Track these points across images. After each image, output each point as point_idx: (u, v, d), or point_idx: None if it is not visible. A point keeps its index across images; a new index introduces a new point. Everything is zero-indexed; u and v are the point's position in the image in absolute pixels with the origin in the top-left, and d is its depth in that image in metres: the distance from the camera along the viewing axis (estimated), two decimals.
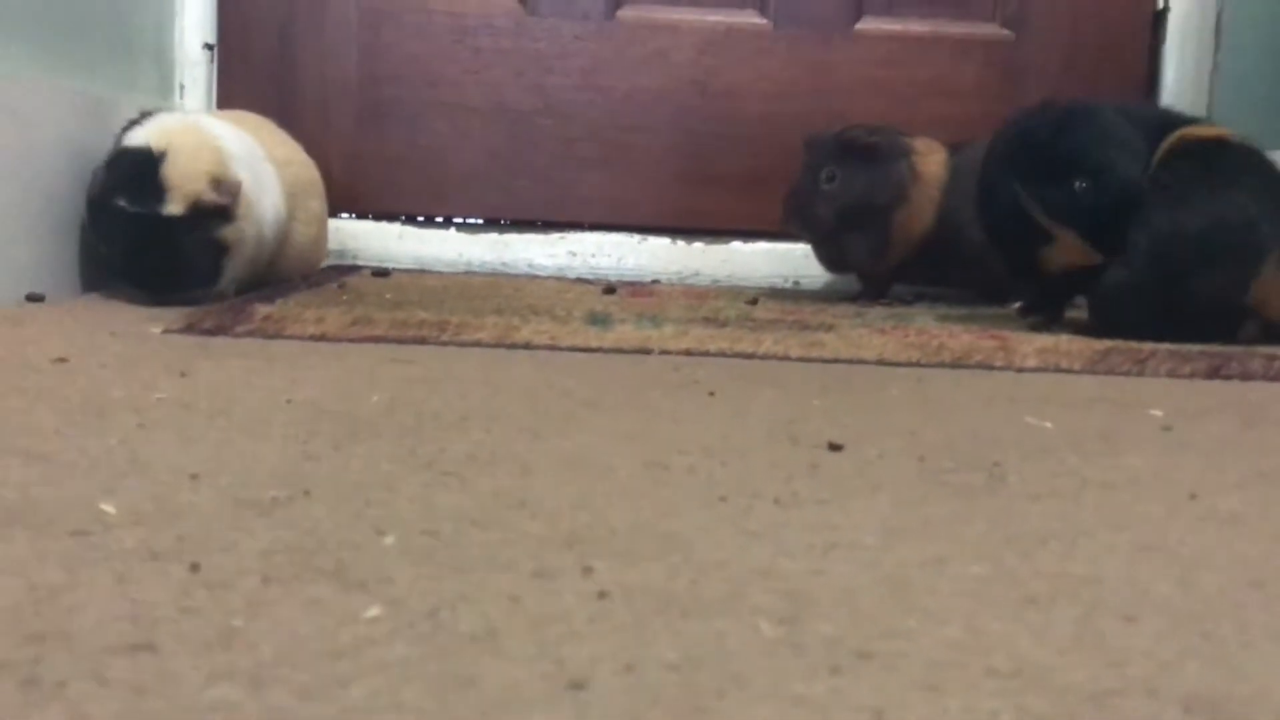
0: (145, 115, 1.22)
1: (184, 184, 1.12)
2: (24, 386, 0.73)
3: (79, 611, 0.38)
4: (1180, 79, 1.69)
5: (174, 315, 1.06)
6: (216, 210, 1.14)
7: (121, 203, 1.12)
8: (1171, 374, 1.00)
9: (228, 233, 1.16)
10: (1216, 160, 1.17)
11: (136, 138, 1.16)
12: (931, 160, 1.45)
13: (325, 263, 1.64)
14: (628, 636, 0.38)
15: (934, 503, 0.56)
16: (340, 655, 0.35)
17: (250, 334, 1.00)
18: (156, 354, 0.88)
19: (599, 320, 1.13)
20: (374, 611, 0.38)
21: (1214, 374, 1.00)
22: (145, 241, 1.13)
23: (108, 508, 0.49)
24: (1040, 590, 0.44)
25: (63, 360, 0.82)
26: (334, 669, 0.34)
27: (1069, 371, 1.00)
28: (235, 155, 1.19)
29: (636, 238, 1.71)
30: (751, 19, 1.70)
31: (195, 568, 0.42)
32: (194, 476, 0.54)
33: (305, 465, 0.57)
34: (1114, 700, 0.34)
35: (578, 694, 0.33)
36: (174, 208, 1.12)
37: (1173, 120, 1.22)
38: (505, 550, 0.46)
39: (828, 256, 1.52)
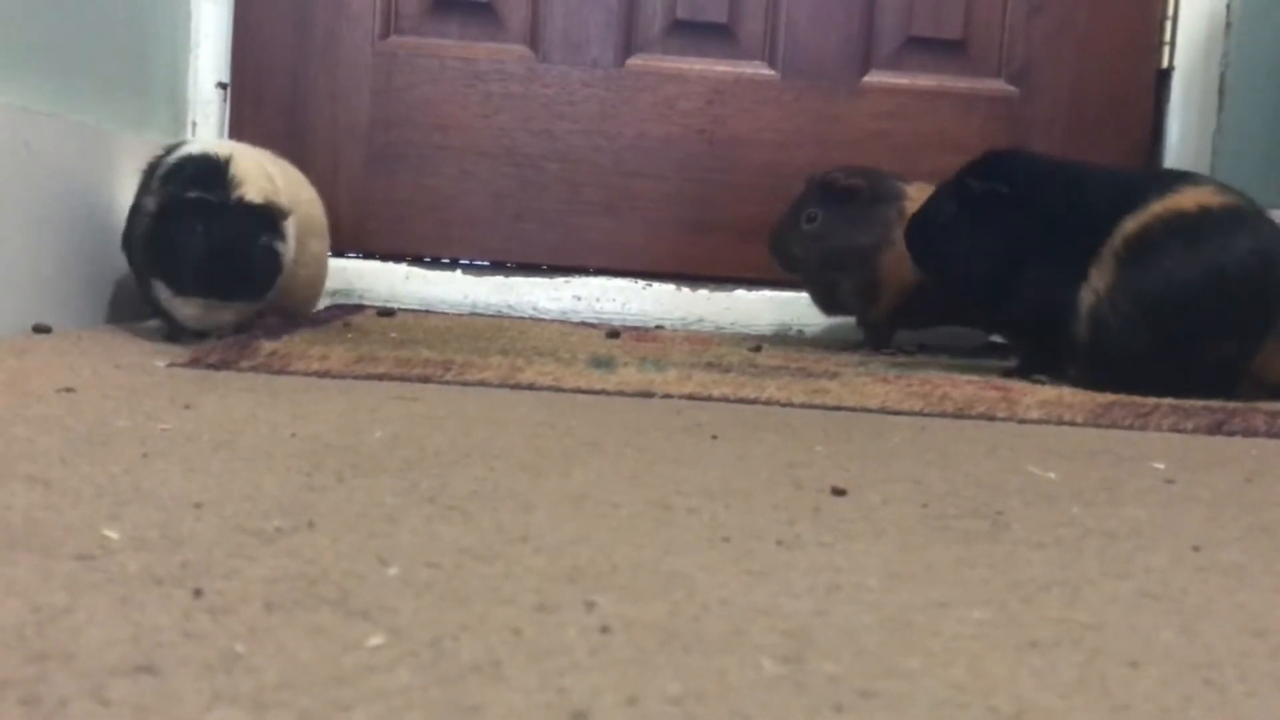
0: (174, 146, 1.20)
1: (255, 181, 1.13)
2: (30, 415, 0.74)
3: (81, 633, 0.38)
4: (1184, 136, 1.70)
5: (178, 350, 1.06)
6: (279, 216, 1.14)
7: (196, 194, 1.10)
8: (1174, 429, 1.00)
9: (282, 249, 1.16)
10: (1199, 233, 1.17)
11: (190, 149, 1.16)
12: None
13: (327, 302, 1.65)
14: (630, 670, 0.37)
15: (937, 548, 0.56)
16: (342, 681, 0.35)
17: (255, 369, 1.00)
18: (161, 386, 0.89)
19: (602, 363, 1.14)
20: (376, 639, 0.38)
21: (1216, 429, 1.00)
22: (222, 230, 1.10)
23: (111, 533, 0.49)
24: (1043, 635, 0.44)
25: (68, 390, 0.82)
26: (336, 695, 0.34)
27: (1071, 424, 1.00)
28: (278, 178, 1.21)
29: (641, 283, 1.72)
30: (759, 70, 1.72)
31: (198, 593, 0.42)
32: (198, 505, 0.54)
33: (309, 496, 0.57)
34: None
35: None
36: (250, 195, 1.11)
37: (1145, 185, 1.21)
38: (507, 583, 0.46)
39: (818, 297, 1.54)
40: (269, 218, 1.13)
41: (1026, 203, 1.22)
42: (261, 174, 1.15)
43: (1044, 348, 1.25)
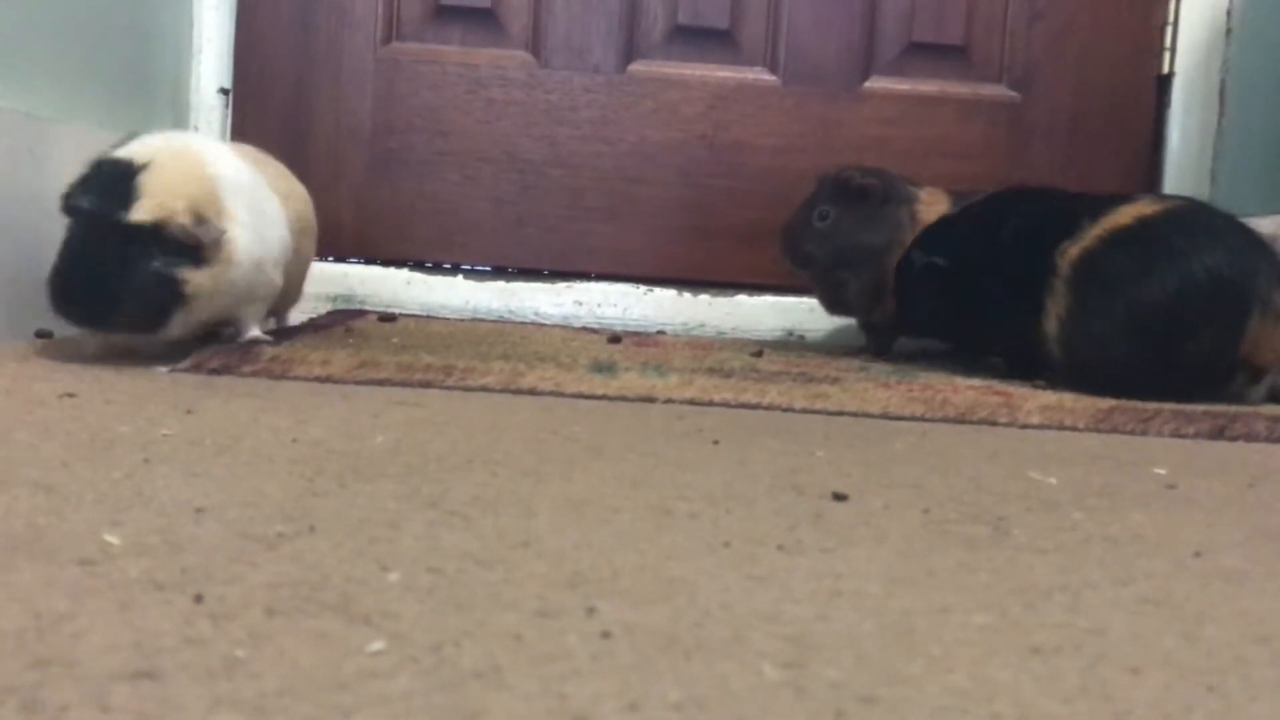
0: (132, 135, 1.07)
1: (158, 198, 0.96)
2: (31, 421, 0.74)
3: (82, 639, 0.38)
4: (1185, 142, 1.70)
5: (178, 354, 1.06)
6: (187, 243, 0.97)
7: (81, 202, 0.97)
8: (1175, 434, 1.00)
9: (191, 277, 0.98)
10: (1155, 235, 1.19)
11: (119, 151, 1.02)
12: (934, 210, 1.46)
13: (328, 308, 1.65)
14: (631, 676, 0.37)
15: (938, 553, 0.56)
16: (343, 687, 0.35)
17: (257, 374, 1.00)
18: (163, 392, 0.89)
19: (604, 368, 1.14)
20: (378, 645, 0.38)
21: (1218, 434, 1.00)
22: (93, 248, 0.96)
23: (113, 539, 0.49)
24: (1045, 641, 0.44)
25: (70, 396, 0.83)
26: (337, 700, 0.34)
27: (1073, 429, 1.00)
28: (234, 183, 1.05)
29: (642, 288, 1.72)
30: (761, 75, 1.73)
31: (199, 599, 0.42)
32: (199, 510, 0.54)
33: (310, 502, 0.57)
34: None
35: None
36: (136, 214, 0.95)
37: (1079, 211, 1.25)
38: (509, 589, 0.46)
39: (825, 296, 1.54)
40: (166, 241, 0.96)
41: (965, 268, 1.32)
42: (180, 192, 0.98)
43: (1025, 364, 1.27)
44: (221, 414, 0.80)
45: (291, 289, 1.27)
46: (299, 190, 1.27)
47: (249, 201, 1.06)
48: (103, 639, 0.38)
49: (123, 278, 0.96)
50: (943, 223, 1.40)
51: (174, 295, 0.98)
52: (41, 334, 1.13)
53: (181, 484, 0.59)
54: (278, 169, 1.24)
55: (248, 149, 1.22)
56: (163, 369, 0.99)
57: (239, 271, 1.03)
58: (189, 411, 0.80)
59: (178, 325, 1.00)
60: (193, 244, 0.97)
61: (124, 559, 0.46)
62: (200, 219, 0.98)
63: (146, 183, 0.97)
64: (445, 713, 0.34)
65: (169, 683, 0.34)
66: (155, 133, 1.07)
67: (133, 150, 1.01)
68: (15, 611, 0.40)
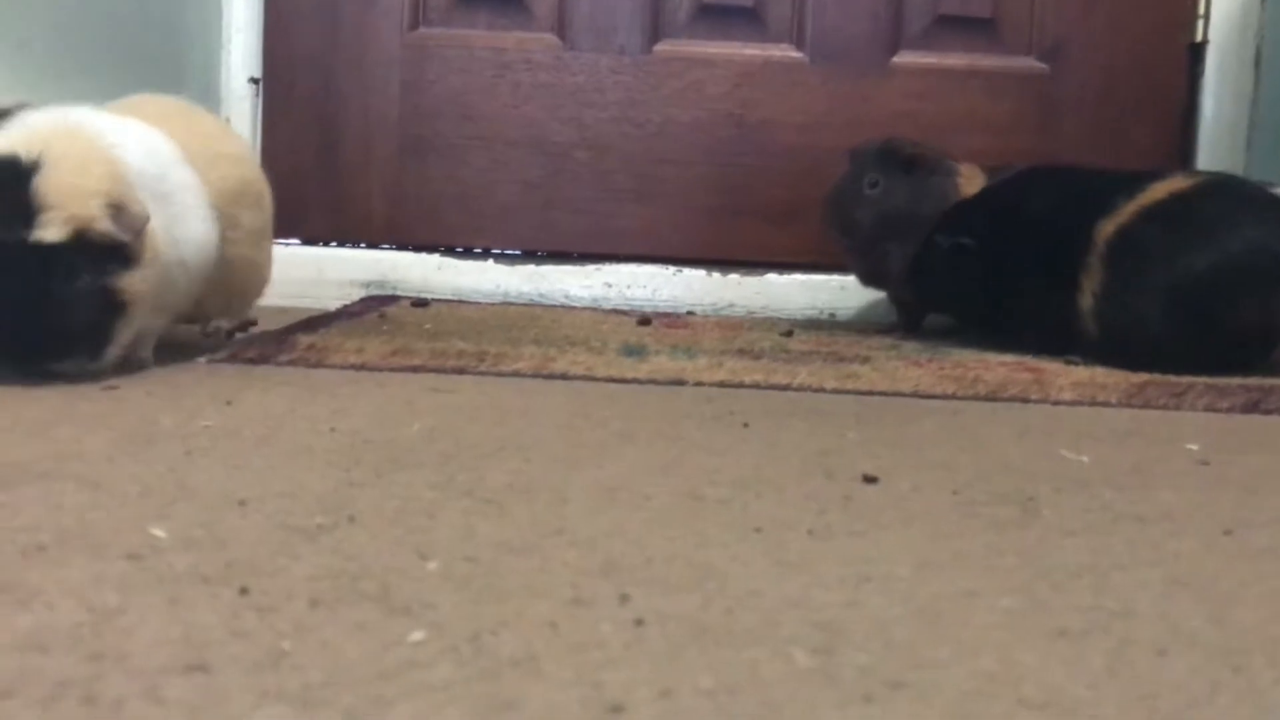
0: (3, 113, 0.89)
1: (67, 204, 0.80)
2: (76, 414, 0.75)
3: (134, 633, 0.39)
4: (1219, 111, 1.68)
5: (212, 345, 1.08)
6: (111, 247, 0.82)
7: None
8: (1209, 408, 1.00)
9: (127, 282, 0.83)
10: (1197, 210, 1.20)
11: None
12: (973, 185, 1.46)
13: (361, 294, 1.66)
14: (664, 663, 0.38)
15: (967, 536, 0.56)
16: (386, 677, 0.36)
17: (293, 363, 1.02)
18: (201, 383, 0.90)
19: (634, 351, 1.15)
20: (418, 635, 0.40)
21: (1253, 408, 1.00)
22: (5, 282, 0.80)
23: (159, 533, 0.50)
24: (1072, 623, 0.44)
25: (112, 388, 0.84)
26: (380, 690, 0.35)
27: (1105, 405, 1.00)
28: (140, 170, 0.87)
29: (671, 269, 1.72)
30: (787, 53, 1.72)
31: (244, 591, 0.43)
32: (241, 503, 0.56)
33: (349, 492, 0.59)
34: None
35: (616, 718, 0.34)
36: (50, 233, 0.79)
37: (1112, 188, 1.25)
38: (543, 577, 0.47)
39: (863, 268, 1.53)
40: (87, 249, 0.81)
41: (993, 247, 1.31)
42: (88, 188, 0.81)
43: (1056, 341, 1.26)
44: (259, 404, 0.82)
45: (251, 275, 1.06)
46: (229, 148, 1.04)
47: (158, 179, 0.90)
48: (153, 633, 0.39)
49: (48, 306, 0.81)
50: (966, 204, 1.40)
51: (112, 307, 0.84)
52: None
53: (223, 476, 0.61)
54: (197, 127, 1.02)
55: (156, 104, 1.01)
56: (201, 359, 1.01)
57: (170, 242, 0.89)
58: (228, 403, 0.82)
59: (120, 343, 0.86)
60: (118, 243, 0.82)
61: (171, 553, 0.48)
62: (119, 210, 0.82)
63: (47, 186, 0.80)
64: (484, 701, 0.35)
65: (218, 675, 0.36)
66: (26, 109, 0.89)
67: (13, 141, 0.83)
68: (69, 606, 0.41)
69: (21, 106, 0.89)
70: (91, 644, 0.38)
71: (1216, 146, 1.67)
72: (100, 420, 0.74)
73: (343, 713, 0.33)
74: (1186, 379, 1.09)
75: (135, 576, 0.45)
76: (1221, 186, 1.22)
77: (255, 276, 1.08)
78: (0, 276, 0.80)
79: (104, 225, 0.81)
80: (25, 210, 0.80)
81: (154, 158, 0.91)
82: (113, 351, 0.87)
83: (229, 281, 1.02)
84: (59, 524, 0.51)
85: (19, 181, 0.80)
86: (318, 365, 1.01)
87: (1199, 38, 1.69)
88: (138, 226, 0.83)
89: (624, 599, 0.45)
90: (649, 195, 1.72)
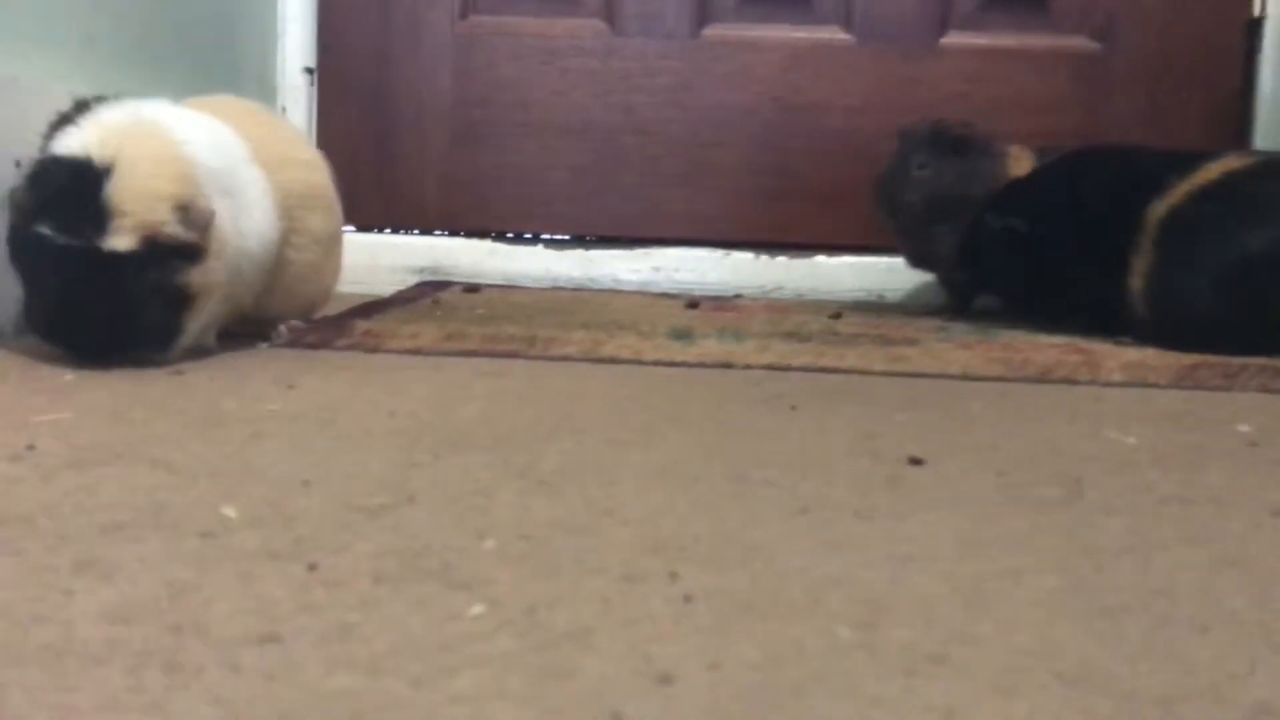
0: (80, 106, 0.90)
1: (137, 210, 0.83)
2: (145, 399, 0.78)
3: (210, 606, 0.41)
4: (1277, 88, 1.66)
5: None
6: (181, 247, 0.85)
7: (46, 230, 0.82)
8: (1262, 389, 0.99)
9: (194, 277, 0.87)
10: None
11: (70, 142, 0.86)
12: (1022, 166, 1.45)
13: (415, 280, 1.69)
14: (712, 637, 0.40)
15: (1011, 517, 0.57)
16: (448, 648, 0.38)
17: (351, 348, 1.04)
18: (264, 367, 0.93)
19: (682, 335, 1.16)
20: (477, 609, 0.41)
21: None
22: (78, 286, 0.83)
23: (229, 512, 0.53)
24: (1113, 602, 0.45)
25: (179, 373, 0.87)
26: (442, 660, 0.37)
27: (1155, 386, 1.00)
28: (208, 166, 0.90)
29: (719, 252, 1.73)
30: (835, 34, 1.72)
31: (312, 567, 0.45)
32: (306, 483, 0.58)
33: (408, 473, 0.61)
34: (1181, 707, 0.36)
35: (666, 688, 0.36)
36: (121, 241, 0.83)
37: (1164, 169, 1.24)
38: (595, 555, 0.49)
39: (912, 250, 1.53)
40: (157, 251, 0.84)
41: (1043, 228, 1.31)
42: (158, 191, 0.84)
43: (1105, 323, 1.26)
44: (321, 388, 0.84)
45: (317, 280, 1.08)
46: (298, 154, 1.06)
47: (227, 177, 0.92)
48: (228, 606, 0.41)
49: (120, 308, 0.84)
50: (1017, 184, 1.40)
51: (180, 302, 0.87)
52: None
53: (288, 458, 0.63)
54: (267, 128, 1.04)
55: (227, 104, 1.03)
56: (262, 345, 1.04)
57: (239, 239, 0.92)
58: (290, 387, 0.84)
59: (190, 334, 0.90)
60: (185, 242, 0.85)
61: (241, 531, 0.50)
62: (186, 210, 0.85)
63: (118, 193, 0.83)
64: (541, 671, 0.36)
65: (290, 645, 0.38)
66: (102, 103, 0.91)
67: (87, 142, 0.85)
68: (149, 581, 0.43)
69: (100, 99, 0.91)
70: (171, 616, 0.40)
71: (1273, 125, 1.64)
72: (169, 404, 0.77)
73: (409, 681, 0.35)
74: (1239, 360, 1.08)
75: (208, 553, 0.47)
76: (1276, 166, 1.21)
77: (320, 283, 1.10)
78: (73, 279, 0.83)
79: (171, 229, 0.85)
80: (96, 216, 0.82)
81: (223, 153, 0.94)
82: (182, 343, 0.90)
83: (293, 286, 1.05)
84: (135, 503, 0.54)
85: (91, 187, 0.83)
86: (375, 350, 1.04)
87: (1256, 13, 1.67)
88: (203, 224, 0.86)
89: (673, 576, 0.46)
90: (697, 179, 1.73)
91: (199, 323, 0.91)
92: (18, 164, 0.95)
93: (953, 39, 1.71)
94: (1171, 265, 1.19)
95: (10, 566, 0.44)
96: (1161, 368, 1.05)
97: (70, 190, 0.83)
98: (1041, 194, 1.35)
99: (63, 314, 0.85)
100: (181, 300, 0.87)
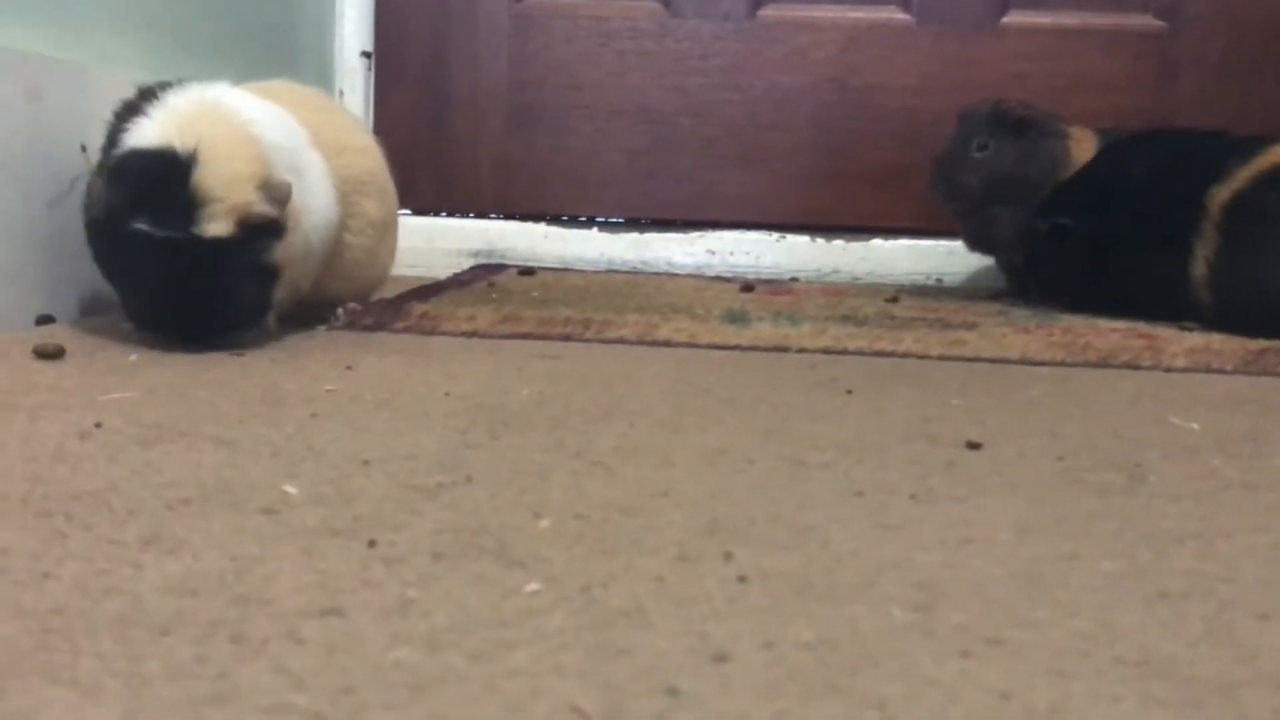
0: (147, 94, 0.91)
1: (227, 194, 0.85)
2: (208, 379, 0.80)
3: (273, 580, 0.42)
4: None
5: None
6: (267, 225, 0.87)
7: (143, 226, 0.83)
8: None
9: (279, 253, 0.89)
10: None
11: (147, 134, 0.87)
12: (1084, 148, 1.43)
13: (470, 263, 1.70)
14: (766, 617, 0.40)
15: (1070, 501, 0.57)
16: (505, 624, 0.38)
17: (407, 330, 1.06)
18: (323, 349, 0.94)
19: (737, 318, 1.16)
20: (533, 586, 0.42)
21: None
22: (182, 275, 0.85)
23: (290, 489, 0.54)
24: (1173, 587, 0.45)
25: (240, 354, 0.89)
26: (500, 636, 0.37)
27: (1220, 372, 0.98)
28: (278, 145, 0.91)
29: (775, 235, 1.72)
30: (893, 14, 1.70)
31: (372, 544, 0.46)
32: (365, 462, 0.59)
33: (465, 454, 0.61)
34: (1240, 692, 0.35)
35: (721, 665, 0.36)
36: (218, 227, 0.84)
37: (1224, 154, 1.23)
38: (650, 535, 0.49)
39: (971, 233, 1.52)
40: (251, 238, 0.87)
41: (1101, 219, 1.30)
42: (242, 174, 0.86)
43: (1167, 310, 1.24)
44: (378, 370, 0.86)
45: (372, 265, 1.09)
46: (354, 140, 1.06)
47: (291, 158, 0.93)
48: (291, 580, 0.42)
49: (222, 290, 0.87)
50: (1064, 185, 1.38)
51: (268, 278, 0.90)
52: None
53: (347, 437, 0.64)
54: (323, 114, 1.04)
55: (283, 89, 1.03)
56: (321, 327, 1.05)
57: (304, 230, 0.93)
58: (348, 368, 0.86)
59: (275, 308, 0.94)
60: (271, 222, 0.87)
61: (302, 508, 0.51)
62: (268, 189, 0.87)
63: (207, 180, 0.84)
64: (597, 648, 0.37)
65: (352, 619, 0.39)
66: (167, 89, 0.92)
67: (166, 133, 0.86)
68: (214, 556, 0.44)
69: (164, 85, 0.92)
70: (236, 589, 0.41)
71: None
72: (230, 384, 0.78)
73: (467, 656, 0.36)
74: None
75: (271, 529, 0.48)
76: None
77: (375, 267, 1.11)
78: (178, 270, 0.85)
79: (259, 208, 0.86)
80: (188, 205, 0.84)
81: (288, 134, 0.95)
82: (271, 317, 0.94)
83: (350, 270, 1.06)
84: (199, 480, 0.55)
85: (179, 177, 0.84)
86: (431, 332, 1.05)
87: None
88: (284, 198, 0.88)
89: (728, 557, 0.46)
90: (752, 161, 1.72)
91: (282, 295, 0.93)
92: (83, 149, 0.97)
93: (1013, 18, 1.68)
94: (1238, 251, 1.17)
95: (81, 540, 0.46)
96: (1227, 353, 1.03)
97: (160, 182, 0.84)
98: (1097, 183, 1.33)
99: (172, 304, 0.87)
100: (270, 276, 0.90)
